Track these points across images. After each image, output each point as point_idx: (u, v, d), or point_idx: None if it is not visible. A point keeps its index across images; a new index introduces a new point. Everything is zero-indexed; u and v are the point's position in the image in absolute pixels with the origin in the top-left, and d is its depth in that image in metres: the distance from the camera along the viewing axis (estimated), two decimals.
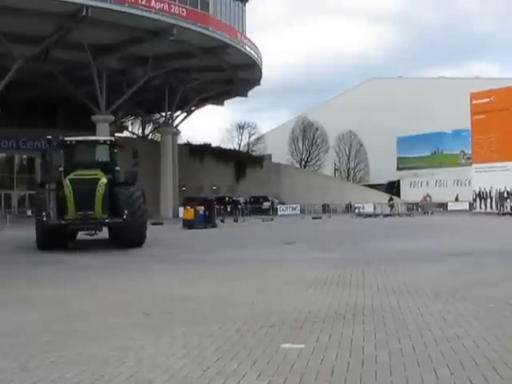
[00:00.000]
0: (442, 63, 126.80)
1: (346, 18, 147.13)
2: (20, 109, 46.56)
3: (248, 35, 44.74)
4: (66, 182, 15.02)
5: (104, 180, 15.26)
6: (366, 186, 72.45)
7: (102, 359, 4.58)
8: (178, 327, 5.73)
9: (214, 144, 61.96)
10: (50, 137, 18.22)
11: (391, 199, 54.02)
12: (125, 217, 14.99)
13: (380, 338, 5.11)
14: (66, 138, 16.80)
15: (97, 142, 17.90)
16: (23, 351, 4.90)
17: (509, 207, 42.94)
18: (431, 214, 47.27)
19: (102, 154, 17.14)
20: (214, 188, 50.41)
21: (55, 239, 15.11)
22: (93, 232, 16.21)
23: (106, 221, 15.37)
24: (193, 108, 51.92)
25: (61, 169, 16.12)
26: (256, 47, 44.95)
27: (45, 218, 14.50)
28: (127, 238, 15.55)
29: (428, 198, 55.32)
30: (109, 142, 17.51)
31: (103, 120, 39.65)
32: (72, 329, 5.80)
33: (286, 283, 8.85)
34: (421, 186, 70.20)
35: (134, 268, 11.32)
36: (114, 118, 42.52)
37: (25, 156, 49.64)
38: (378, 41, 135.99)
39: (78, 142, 16.83)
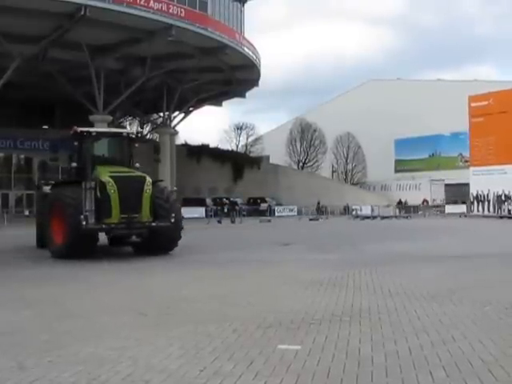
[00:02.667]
0: (441, 66, 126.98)
1: (345, 21, 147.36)
2: (18, 108, 46.58)
3: (247, 36, 44.81)
4: (109, 179, 13.10)
5: (149, 179, 13.80)
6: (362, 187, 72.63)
7: (98, 359, 4.59)
8: (175, 327, 5.74)
9: (212, 145, 62.03)
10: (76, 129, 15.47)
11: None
12: (172, 220, 13.70)
13: (376, 340, 5.12)
14: (83, 129, 14.87)
15: (119, 135, 15.90)
16: (21, 350, 4.91)
17: (506, 210, 43.04)
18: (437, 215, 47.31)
19: (122, 149, 15.28)
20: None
21: (88, 246, 13.13)
22: (137, 238, 14.08)
23: (153, 224, 13.49)
24: (191, 108, 51.93)
25: (74, 164, 14.44)
26: (254, 48, 44.99)
27: (84, 222, 12.51)
28: (166, 242, 13.99)
29: (425, 202, 55.36)
30: (131, 136, 15.72)
31: (101, 120, 39.59)
32: (69, 328, 5.80)
33: (283, 284, 8.87)
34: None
35: (131, 268, 11.32)
36: (111, 118, 42.46)
37: (22, 156, 49.61)
38: (377, 43, 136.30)
39: (97, 133, 14.99)
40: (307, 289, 8.22)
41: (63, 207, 13.15)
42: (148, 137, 65.40)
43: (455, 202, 54.04)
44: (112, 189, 13.00)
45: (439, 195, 62.22)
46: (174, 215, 13.79)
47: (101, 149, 15.09)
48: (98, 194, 13.07)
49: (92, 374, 4.20)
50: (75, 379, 4.11)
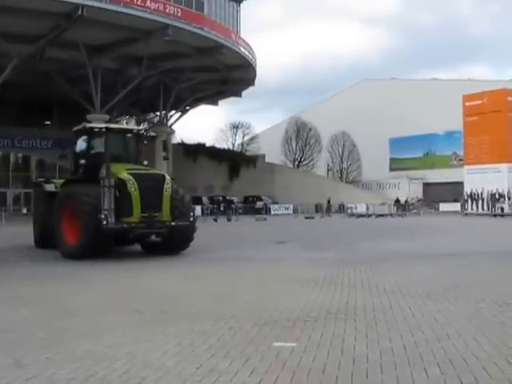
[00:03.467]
0: (436, 66, 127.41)
1: (341, 21, 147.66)
2: (16, 107, 46.64)
3: (244, 36, 44.93)
4: (129, 177, 12.71)
5: (169, 178, 13.57)
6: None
7: (96, 356, 4.61)
8: (172, 325, 5.76)
9: (208, 144, 62.07)
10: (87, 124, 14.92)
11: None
12: (191, 219, 13.56)
13: (371, 337, 5.16)
14: (93, 125, 14.49)
15: (129, 132, 15.29)
16: (18, 348, 4.92)
17: (500, 208, 43.22)
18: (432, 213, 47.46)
19: (132, 146, 14.87)
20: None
21: (105, 246, 12.78)
22: (156, 238, 13.68)
23: (173, 223, 13.17)
24: (187, 108, 52.01)
25: (82, 161, 13.88)
26: (250, 48, 45.07)
27: (105, 222, 12.13)
28: (181, 242, 13.71)
29: (420, 201, 55.61)
30: (141, 133, 15.29)
31: (98, 119, 39.57)
32: (67, 326, 5.82)
33: (279, 282, 8.89)
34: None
35: (127, 267, 11.32)
36: (108, 117, 42.43)
37: (20, 154, 49.64)
38: (372, 43, 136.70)
39: (108, 130, 14.51)
40: (303, 287, 8.25)
41: (79, 206, 12.64)
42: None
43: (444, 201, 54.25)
44: (133, 187, 12.62)
45: (417, 194, 62.84)
46: (192, 214, 13.71)
47: (113, 145, 14.52)
48: (117, 192, 12.58)
49: (89, 371, 4.22)
50: (72, 376, 4.12)
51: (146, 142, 15.11)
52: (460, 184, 49.77)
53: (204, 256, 13.25)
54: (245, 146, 73.29)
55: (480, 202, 45.82)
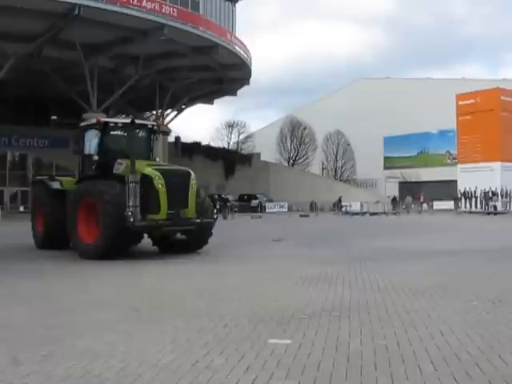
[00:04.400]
0: (430, 65, 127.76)
1: (336, 21, 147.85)
2: (12, 106, 46.54)
3: (239, 36, 45.08)
4: (156, 173, 12.31)
5: (193, 174, 13.20)
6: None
7: (92, 353, 4.62)
8: (167, 322, 5.78)
9: (204, 142, 61.99)
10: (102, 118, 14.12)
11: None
12: (215, 216, 13.39)
13: (365, 334, 5.19)
14: (107, 120, 13.97)
15: (143, 127, 14.61)
16: (15, 345, 4.94)
17: (492, 207, 43.42)
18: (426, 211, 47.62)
19: (145, 141, 14.33)
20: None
21: (129, 245, 12.46)
22: (182, 236, 13.28)
23: (197, 221, 12.85)
24: (183, 106, 52.04)
25: (96, 157, 13.29)
26: (245, 47, 45.19)
27: (131, 219, 11.63)
28: (201, 240, 13.42)
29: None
30: (155, 128, 14.72)
31: (95, 118, 39.55)
32: (63, 323, 5.83)
33: (274, 280, 8.92)
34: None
35: (123, 264, 11.31)
36: (105, 115, 42.45)
37: (17, 153, 49.59)
38: (367, 43, 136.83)
39: (123, 124, 14.02)
40: (297, 284, 8.28)
41: (99, 203, 12.06)
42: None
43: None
44: (159, 183, 12.20)
45: (393, 192, 63.39)
46: (215, 211, 13.57)
47: (125, 140, 14.02)
48: (142, 188, 12.05)
49: (86, 368, 4.23)
50: (69, 373, 4.14)
51: (157, 137, 14.69)
52: (453, 182, 49.94)
53: (199, 254, 13.25)
54: (240, 144, 73.26)
55: (473, 200, 46.01)
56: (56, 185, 14.52)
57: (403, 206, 50.70)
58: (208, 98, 54.33)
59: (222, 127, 74.76)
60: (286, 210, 51.24)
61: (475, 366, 4.19)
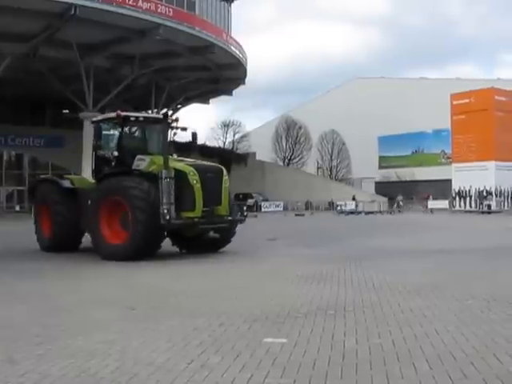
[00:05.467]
0: (425, 65, 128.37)
1: (331, 21, 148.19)
2: (9, 105, 46.51)
3: (235, 36, 45.14)
4: (190, 169, 11.96)
5: (225, 170, 12.95)
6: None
7: (88, 352, 4.62)
8: (163, 321, 5.78)
9: (200, 142, 61.84)
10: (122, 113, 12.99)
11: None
12: (246, 214, 13.16)
13: (361, 333, 5.19)
14: (127, 114, 13.29)
15: (163, 121, 13.88)
16: (11, 344, 4.93)
17: (487, 206, 43.57)
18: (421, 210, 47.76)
19: (163, 137, 13.52)
20: None
21: (158, 244, 11.94)
22: (215, 234, 12.84)
23: (229, 218, 12.63)
24: (179, 106, 52.02)
25: (115, 153, 12.73)
26: (241, 47, 45.27)
27: (167, 217, 11.25)
28: (226, 238, 13.09)
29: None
30: (174, 123, 14.03)
31: (91, 118, 39.50)
32: (59, 322, 5.83)
33: (269, 279, 8.93)
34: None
35: (119, 263, 11.30)
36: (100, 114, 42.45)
37: (13, 152, 49.52)
38: (363, 43, 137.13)
39: (144, 119, 13.41)
40: (293, 283, 8.29)
41: (129, 201, 11.51)
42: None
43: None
44: (194, 179, 11.78)
45: (370, 191, 64.05)
46: (245, 209, 13.37)
47: (145, 136, 13.74)
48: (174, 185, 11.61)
49: (81, 367, 4.23)
50: (65, 372, 4.13)
51: (174, 132, 14.24)
52: (448, 182, 50.07)
53: (194, 253, 13.24)
54: (236, 144, 73.25)
55: (468, 199, 46.14)
56: (67, 183, 13.88)
57: (395, 205, 50.90)
58: (204, 98, 54.40)
59: (217, 127, 74.82)
60: (282, 209, 51.27)
61: (470, 365, 4.20)
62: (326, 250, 13.80)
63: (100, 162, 13.20)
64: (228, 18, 46.15)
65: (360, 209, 47.39)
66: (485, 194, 44.30)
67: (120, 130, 13.03)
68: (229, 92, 53.37)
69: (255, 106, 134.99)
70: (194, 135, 14.28)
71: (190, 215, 11.81)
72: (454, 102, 48.42)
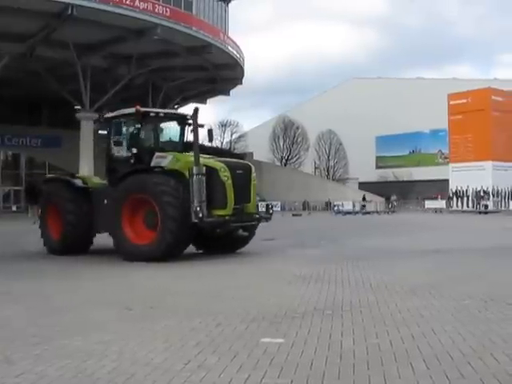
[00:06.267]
0: (422, 65, 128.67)
1: (329, 21, 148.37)
2: (5, 105, 46.50)
3: (232, 36, 45.21)
4: (221, 165, 11.76)
5: (253, 167, 12.80)
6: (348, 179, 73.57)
7: (84, 353, 4.61)
8: (160, 321, 5.77)
9: None
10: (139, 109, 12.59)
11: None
12: (271, 212, 13.11)
13: (358, 333, 5.19)
14: (147, 110, 12.98)
15: (183, 118, 13.49)
16: (8, 344, 4.91)
17: (484, 206, 43.66)
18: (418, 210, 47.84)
19: (182, 134, 13.36)
20: None
21: (188, 243, 11.72)
22: (244, 232, 12.54)
23: (257, 216, 12.49)
24: (176, 106, 52.00)
25: (134, 150, 12.27)
26: (238, 47, 45.34)
27: (200, 214, 10.93)
28: (249, 238, 12.88)
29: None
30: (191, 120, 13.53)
31: (87, 117, 39.57)
32: (56, 323, 5.82)
33: (266, 279, 8.93)
34: None
35: (116, 264, 11.29)
36: (98, 115, 42.39)
37: (10, 152, 49.43)
38: (360, 43, 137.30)
39: (165, 115, 13.18)
40: (290, 283, 8.28)
41: (158, 199, 11.19)
42: None
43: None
44: (225, 175, 11.53)
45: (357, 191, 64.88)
46: (271, 207, 13.26)
47: (167, 133, 13.36)
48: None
49: (78, 368, 4.22)
50: (62, 372, 4.12)
51: (191, 129, 13.48)
52: (445, 181, 50.16)
53: (191, 253, 13.23)
54: (233, 144, 73.32)
55: (465, 199, 46.24)
56: (79, 182, 13.43)
57: (389, 205, 51.01)
58: (201, 98, 54.42)
59: (214, 127, 74.81)
60: (279, 209, 51.23)
61: (467, 365, 4.20)
62: (324, 249, 13.80)
63: (114, 161, 12.83)
64: (225, 18, 46.24)
65: (357, 209, 47.44)
66: (482, 193, 44.40)
67: (139, 126, 12.58)
68: (226, 92, 53.46)
69: (253, 106, 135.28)
70: (210, 132, 13.76)
71: (222, 213, 11.53)
72: (451, 102, 48.52)
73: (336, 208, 47.91)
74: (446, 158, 58.98)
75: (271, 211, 13.22)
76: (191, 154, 11.90)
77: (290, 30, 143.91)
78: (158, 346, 4.80)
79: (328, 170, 78.18)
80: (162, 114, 13.25)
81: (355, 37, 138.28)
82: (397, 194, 56.83)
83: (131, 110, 12.49)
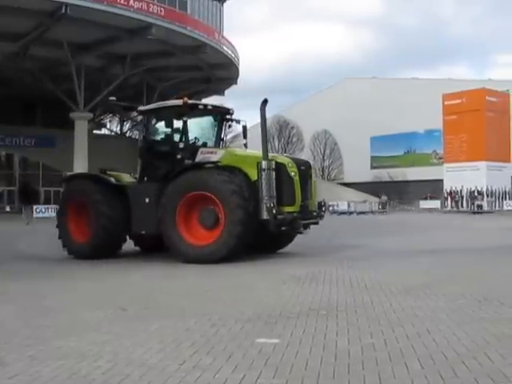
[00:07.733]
0: (417, 65, 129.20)
1: (325, 21, 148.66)
2: None
3: (228, 36, 45.26)
4: (288, 160, 11.54)
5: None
6: (340, 184, 73.31)
7: (79, 354, 4.59)
8: (155, 322, 5.76)
9: None
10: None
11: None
12: (324, 210, 12.88)
13: (353, 333, 5.19)
14: (194, 102, 12.51)
15: (225, 112, 13.12)
16: (1, 345, 4.89)
17: (478, 206, 43.81)
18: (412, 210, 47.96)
19: (220, 129, 13.00)
20: None
21: (250, 241, 11.15)
22: (307, 230, 12.21)
23: (314, 213, 12.20)
24: None
25: (181, 145, 11.76)
26: (233, 47, 45.35)
27: (274, 211, 10.63)
28: (293, 237, 12.58)
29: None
30: (231, 116, 13.17)
31: (81, 117, 39.51)
32: (51, 323, 5.79)
33: (261, 279, 8.93)
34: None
35: (112, 264, 11.26)
36: (92, 115, 42.29)
37: (3, 152, 49.23)
38: (355, 43, 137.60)
39: (213, 107, 12.81)
40: (285, 283, 8.27)
41: (223, 196, 10.69)
42: (128, 134, 64.85)
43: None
44: (293, 171, 11.20)
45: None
46: (324, 206, 13.12)
47: (205, 128, 12.90)
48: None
49: (73, 369, 4.20)
50: (56, 374, 4.11)
51: (229, 125, 13.42)
52: (440, 181, 50.29)
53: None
54: (228, 143, 73.20)
55: (459, 199, 46.37)
56: (113, 180, 12.55)
57: (379, 206, 51.10)
58: (195, 98, 54.20)
59: None
60: None
61: (461, 364, 4.20)
62: (318, 249, 13.80)
63: (154, 156, 12.22)
64: (220, 18, 46.28)
65: (352, 209, 47.50)
66: (476, 194, 44.55)
67: (185, 119, 11.92)
68: (221, 92, 53.50)
69: (248, 106, 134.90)
70: (245, 128, 13.44)
71: (290, 210, 11.17)
72: (446, 103, 48.68)
73: (331, 208, 47.97)
74: (440, 158, 59.16)
75: (324, 209, 12.93)
76: (237, 148, 11.35)
77: (285, 30, 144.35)
78: (152, 347, 4.79)
79: (323, 170, 78.26)
80: (210, 107, 12.76)
81: (351, 37, 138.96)
82: (392, 194, 56.91)
83: (177, 102, 12.04)
